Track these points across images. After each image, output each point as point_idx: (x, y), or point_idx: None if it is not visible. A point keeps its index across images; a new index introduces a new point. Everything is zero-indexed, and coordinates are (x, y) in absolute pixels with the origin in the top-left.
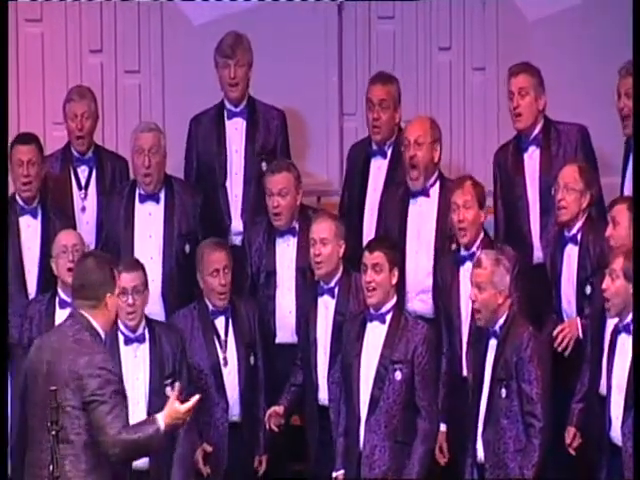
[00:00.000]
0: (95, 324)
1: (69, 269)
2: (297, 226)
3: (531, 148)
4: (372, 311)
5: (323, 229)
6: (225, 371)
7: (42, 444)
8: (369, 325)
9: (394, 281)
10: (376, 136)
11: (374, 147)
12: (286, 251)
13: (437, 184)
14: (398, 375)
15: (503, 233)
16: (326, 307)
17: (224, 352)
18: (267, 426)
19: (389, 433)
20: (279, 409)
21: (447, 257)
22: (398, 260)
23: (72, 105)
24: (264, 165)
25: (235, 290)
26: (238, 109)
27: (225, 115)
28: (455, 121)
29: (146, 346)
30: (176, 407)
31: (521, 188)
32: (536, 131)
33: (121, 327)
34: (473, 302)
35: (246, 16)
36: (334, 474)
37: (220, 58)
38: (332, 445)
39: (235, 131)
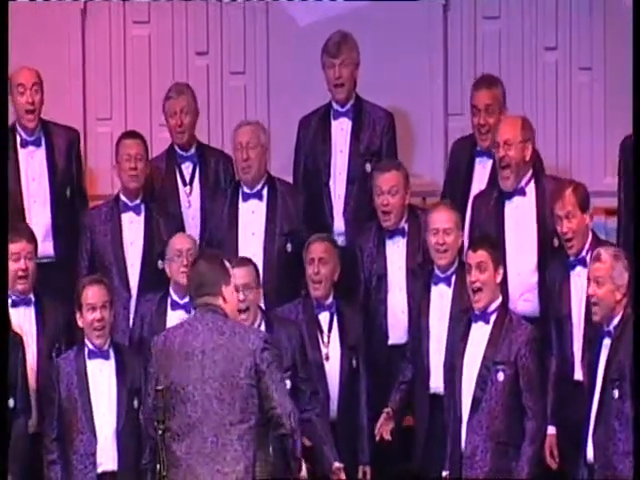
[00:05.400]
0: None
1: (183, 272)
2: (406, 226)
3: None
4: (477, 312)
5: (446, 219)
6: (327, 366)
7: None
8: (474, 325)
9: (499, 280)
10: (484, 142)
11: (479, 148)
12: (396, 252)
13: (532, 182)
14: (500, 376)
15: (625, 228)
16: (441, 296)
17: (326, 347)
18: (378, 436)
19: (491, 434)
20: (388, 413)
21: (555, 259)
22: (501, 259)
23: (171, 102)
24: (368, 166)
25: (342, 293)
26: (344, 109)
27: (331, 115)
28: (561, 121)
29: None
30: None
31: None
32: None
33: None
34: (591, 296)
35: (351, 16)
36: (444, 473)
37: (326, 58)
38: (441, 438)
39: (341, 131)
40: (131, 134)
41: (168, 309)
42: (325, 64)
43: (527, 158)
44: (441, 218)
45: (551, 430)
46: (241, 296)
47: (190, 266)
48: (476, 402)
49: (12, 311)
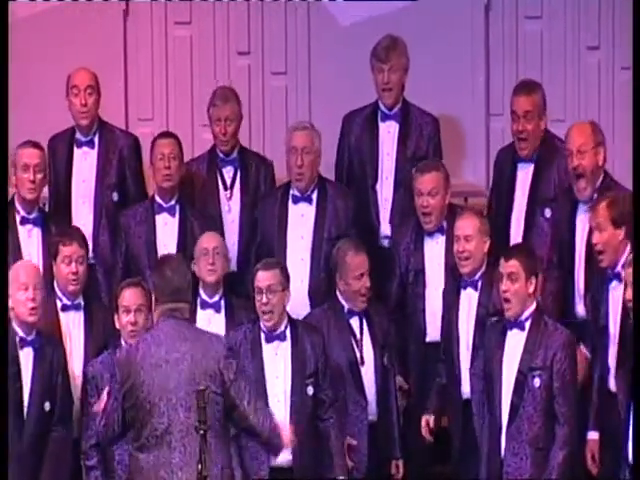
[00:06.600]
0: None
1: (209, 270)
2: (445, 224)
3: None
4: (509, 319)
5: (466, 226)
6: (362, 370)
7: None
8: (509, 333)
9: (531, 289)
10: (523, 151)
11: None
12: (435, 249)
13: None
14: (537, 382)
15: None
16: (469, 300)
17: (360, 351)
18: (424, 437)
19: (530, 440)
20: (428, 417)
21: (596, 273)
22: (536, 268)
23: (216, 110)
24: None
25: (379, 291)
26: (392, 112)
27: (379, 117)
28: (603, 122)
29: (287, 344)
30: None
31: None
32: None
33: (262, 325)
34: (628, 301)
35: (392, 17)
36: None
37: (375, 62)
38: (475, 445)
39: (388, 134)
40: (165, 134)
41: (198, 308)
42: (374, 68)
43: (600, 163)
44: (462, 225)
45: (593, 435)
46: (264, 299)
47: (159, 267)
48: (514, 409)
49: (61, 315)
